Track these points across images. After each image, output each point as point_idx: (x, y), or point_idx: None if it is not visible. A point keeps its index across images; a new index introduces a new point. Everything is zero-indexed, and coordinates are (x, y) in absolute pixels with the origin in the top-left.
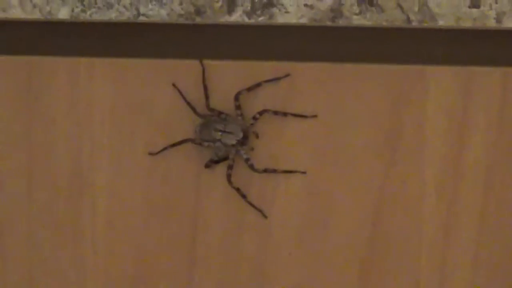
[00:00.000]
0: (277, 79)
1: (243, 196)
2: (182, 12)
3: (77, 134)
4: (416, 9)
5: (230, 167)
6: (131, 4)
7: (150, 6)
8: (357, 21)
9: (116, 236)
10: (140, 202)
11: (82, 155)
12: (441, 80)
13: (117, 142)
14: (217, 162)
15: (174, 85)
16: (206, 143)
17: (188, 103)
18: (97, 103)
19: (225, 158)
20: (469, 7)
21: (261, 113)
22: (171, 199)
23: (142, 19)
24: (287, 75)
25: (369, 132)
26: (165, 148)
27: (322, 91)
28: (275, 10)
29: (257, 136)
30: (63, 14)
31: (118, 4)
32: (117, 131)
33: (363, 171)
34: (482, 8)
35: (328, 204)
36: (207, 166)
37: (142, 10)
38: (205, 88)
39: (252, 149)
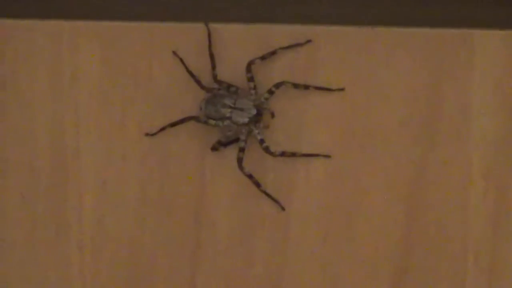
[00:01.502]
0: (296, 45)
1: (257, 185)
2: None
3: (59, 113)
4: None
5: (241, 150)
6: None
7: None
8: None
9: (106, 235)
10: (134, 194)
11: (65, 138)
12: (489, 46)
13: (106, 122)
14: (225, 144)
15: (174, 53)
16: (212, 122)
17: (192, 74)
18: (82, 76)
19: (235, 140)
20: None
21: (277, 86)
22: (170, 189)
23: None
24: (308, 41)
25: (404, 109)
26: (163, 128)
27: (350, 60)
28: None
29: (273, 114)
30: None
31: None
32: (106, 109)
33: (397, 156)
34: None
35: (356, 195)
36: (213, 148)
37: None
38: (212, 56)
39: (268, 127)
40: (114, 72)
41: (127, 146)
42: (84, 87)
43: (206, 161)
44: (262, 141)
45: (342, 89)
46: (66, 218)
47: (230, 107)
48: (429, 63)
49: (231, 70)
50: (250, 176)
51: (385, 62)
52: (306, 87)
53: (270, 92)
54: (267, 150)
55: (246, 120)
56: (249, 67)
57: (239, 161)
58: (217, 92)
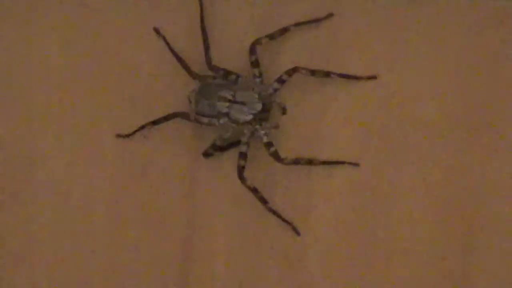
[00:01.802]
0: (314, 21)
1: (263, 201)
2: None
3: (23, 112)
4: None
5: (242, 156)
6: None
7: None
8: None
9: (80, 254)
10: (110, 209)
11: (28, 140)
12: None
13: (71, 121)
14: (222, 148)
15: (156, 30)
16: (205, 119)
17: (178, 58)
18: (49, 63)
19: (234, 143)
20: None
21: (290, 73)
22: (151, 209)
23: None
24: (329, 15)
25: (452, 101)
26: (142, 127)
27: (384, 40)
28: None
29: (284, 109)
30: None
31: None
32: (72, 105)
33: (444, 161)
34: None
35: (391, 213)
36: (206, 154)
37: None
38: (205, 35)
39: (277, 126)
40: (79, 59)
41: (100, 149)
42: (52, 78)
43: (198, 170)
44: (269, 145)
45: (373, 77)
46: (31, 233)
47: (229, 100)
48: (484, 42)
49: (230, 53)
50: (254, 190)
51: (428, 41)
52: (327, 74)
53: (280, 81)
54: (276, 156)
55: (249, 117)
56: (253, 48)
57: (240, 170)
58: (212, 81)
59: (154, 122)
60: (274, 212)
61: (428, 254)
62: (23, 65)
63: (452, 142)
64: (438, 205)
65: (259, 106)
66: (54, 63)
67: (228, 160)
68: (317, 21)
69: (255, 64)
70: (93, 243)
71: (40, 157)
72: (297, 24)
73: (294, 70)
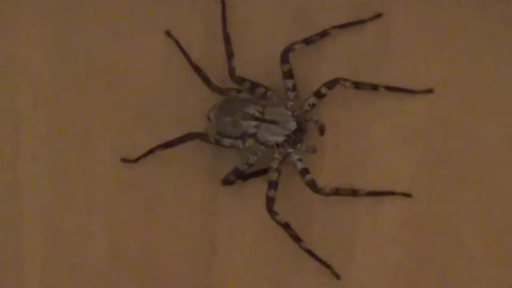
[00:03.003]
0: (358, 22)
1: (297, 240)
2: None
3: (5, 129)
4: None
5: (272, 186)
6: None
7: None
8: None
9: None
10: (111, 251)
11: (13, 163)
12: None
13: (69, 141)
14: (246, 176)
15: (168, 34)
16: (228, 141)
17: (196, 68)
18: (29, 65)
19: (261, 171)
20: None
21: (330, 85)
22: (164, 245)
23: None
24: (377, 16)
25: None
26: (152, 151)
27: (441, 46)
28: None
29: (322, 130)
30: None
31: None
32: (62, 118)
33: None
34: None
35: (450, 256)
36: (227, 182)
37: None
38: (227, 40)
39: (315, 151)
40: (73, 66)
41: (93, 179)
42: (32, 84)
43: (216, 204)
44: (305, 172)
45: (430, 91)
46: (11, 265)
47: (256, 118)
48: None
49: (258, 62)
50: (286, 226)
51: (494, 49)
52: (374, 87)
53: (319, 95)
54: (312, 185)
55: (280, 138)
56: (285, 55)
57: (270, 202)
58: (236, 95)
59: (166, 145)
60: (310, 252)
61: None
62: (6, 71)
63: None
64: (506, 248)
65: (292, 126)
66: (41, 70)
67: (254, 188)
68: (362, 22)
69: (288, 75)
70: None
71: (26, 184)
72: (339, 27)
73: (335, 82)
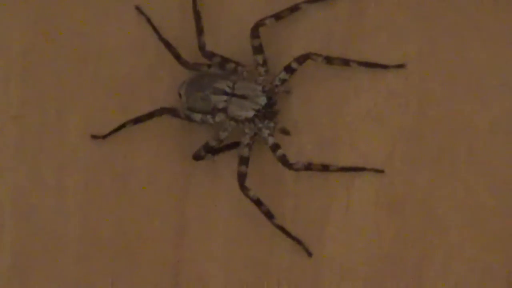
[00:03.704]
0: None
1: (269, 216)
2: None
3: None
4: None
5: (243, 162)
6: None
7: None
8: None
9: (49, 277)
10: (84, 227)
11: None
12: None
13: (35, 120)
14: (217, 150)
15: (139, 9)
16: (198, 116)
17: (166, 42)
18: (0, 43)
19: (231, 144)
20: None
21: (300, 60)
22: (137, 219)
23: None
24: None
25: (499, 97)
26: (122, 126)
27: (415, 20)
28: None
29: (288, 92)
30: None
31: None
32: (34, 100)
33: (489, 168)
34: None
35: (427, 231)
36: (197, 157)
37: None
38: (197, 14)
39: (288, 133)
40: (43, 42)
41: (64, 157)
42: (1, 64)
43: (188, 179)
44: (276, 147)
45: (401, 66)
46: None
47: (226, 93)
48: None
49: (228, 37)
50: (258, 203)
51: (476, 24)
52: (346, 62)
53: (289, 70)
54: (284, 161)
55: (250, 113)
56: (256, 30)
57: (241, 178)
58: (206, 70)
59: (136, 120)
60: (282, 229)
61: (468, 279)
62: None
63: (498, 145)
64: (483, 224)
65: (263, 100)
66: (12, 48)
67: (226, 164)
68: None
69: (258, 50)
70: (64, 267)
71: None
72: (310, 1)
73: (306, 57)
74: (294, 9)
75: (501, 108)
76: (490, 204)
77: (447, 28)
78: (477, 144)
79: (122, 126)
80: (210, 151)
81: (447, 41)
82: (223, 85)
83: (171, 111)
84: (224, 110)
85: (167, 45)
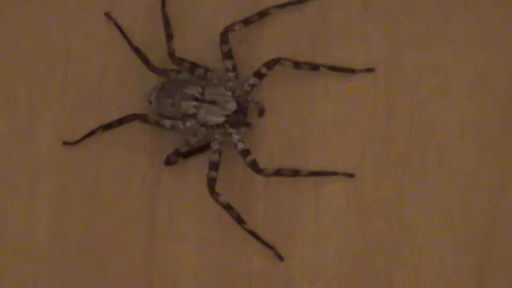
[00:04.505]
0: (299, 1)
1: (239, 221)
2: None
3: None
4: None
5: (213, 167)
6: None
7: None
8: None
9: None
10: (55, 234)
11: None
12: None
13: (7, 122)
14: (187, 154)
15: (107, 15)
16: (167, 122)
17: (135, 48)
18: None
19: (202, 147)
20: None
21: (270, 65)
22: (107, 225)
23: None
24: None
25: (472, 104)
26: (92, 133)
27: (382, 24)
28: None
29: (262, 110)
30: None
31: None
32: (2, 102)
33: (458, 171)
34: None
35: (397, 234)
36: (169, 162)
37: None
38: (166, 20)
39: (248, 125)
40: (10, 47)
41: (36, 163)
42: None
43: (158, 184)
44: (246, 153)
45: (371, 70)
46: None
47: (196, 99)
48: (502, 16)
49: (197, 42)
50: (228, 208)
51: (441, 28)
52: (315, 66)
53: (259, 75)
54: (254, 166)
55: (220, 119)
56: (225, 36)
57: (211, 183)
58: (176, 76)
59: (106, 126)
60: (252, 234)
61: (439, 282)
62: None
63: (467, 149)
64: (452, 227)
65: (232, 106)
66: None
67: (196, 169)
68: (303, 1)
69: (228, 55)
70: (34, 273)
71: None
72: (279, 6)
73: (275, 62)
74: (263, 14)
75: (470, 111)
76: (459, 207)
77: (414, 32)
78: (447, 147)
79: (92, 132)
80: (180, 155)
81: (414, 44)
82: (193, 90)
83: (141, 117)
84: (194, 116)
85: (136, 50)
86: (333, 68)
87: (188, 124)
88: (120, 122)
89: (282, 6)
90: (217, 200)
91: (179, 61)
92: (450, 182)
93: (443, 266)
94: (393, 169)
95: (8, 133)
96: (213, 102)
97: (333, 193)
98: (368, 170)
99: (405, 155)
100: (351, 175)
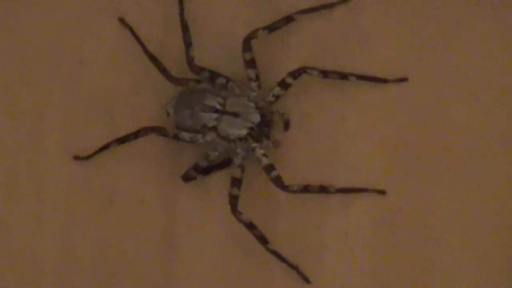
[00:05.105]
0: (326, 7)
1: (262, 240)
2: None
3: None
4: None
5: (235, 183)
6: None
7: None
8: None
9: None
10: (64, 253)
11: None
12: None
13: (10, 137)
14: (207, 171)
15: (122, 20)
16: (187, 135)
17: (152, 57)
18: None
19: (223, 163)
20: None
21: (295, 74)
22: (121, 245)
23: None
24: (344, 0)
25: (502, 110)
26: (105, 147)
27: (414, 32)
28: None
29: (286, 123)
30: None
31: None
32: (10, 115)
33: (494, 184)
34: None
35: (426, 255)
36: (187, 178)
37: None
38: (185, 27)
39: (279, 144)
40: (19, 54)
41: (44, 177)
42: None
43: (176, 202)
44: (270, 168)
45: (404, 80)
46: None
47: (217, 110)
48: None
49: (218, 50)
50: (250, 226)
51: (467, 32)
52: (343, 76)
53: (284, 85)
54: (278, 182)
55: (243, 132)
56: (247, 43)
57: (233, 201)
58: (195, 86)
59: (120, 140)
60: (276, 254)
61: None
62: None
63: (499, 161)
64: (483, 244)
65: (256, 118)
66: None
67: (216, 183)
68: (330, 6)
69: (251, 63)
70: None
71: None
72: (304, 12)
73: (301, 71)
74: (288, 20)
75: (502, 119)
76: (491, 224)
77: (441, 36)
78: (484, 161)
79: (106, 146)
80: (200, 171)
81: (443, 49)
82: (213, 101)
83: (158, 130)
84: (214, 128)
85: (153, 59)
86: (363, 78)
87: (208, 137)
88: (136, 135)
89: (308, 11)
90: (239, 219)
91: (199, 70)
92: (484, 198)
93: (475, 285)
94: (424, 184)
95: (15, 145)
96: (235, 114)
97: (362, 210)
98: (398, 185)
99: (438, 170)
100: (382, 192)
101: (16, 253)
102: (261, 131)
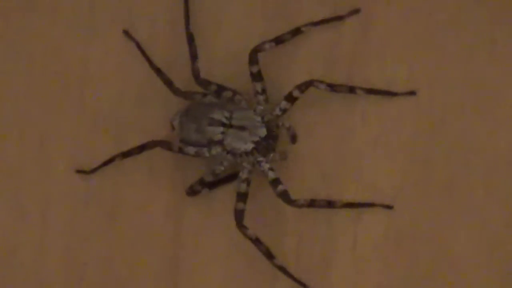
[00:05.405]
0: (334, 19)
1: (269, 256)
2: None
3: None
4: None
5: (241, 198)
6: None
7: None
8: None
9: None
10: (69, 267)
11: None
12: None
13: (19, 149)
14: (213, 185)
15: (127, 33)
16: (192, 149)
17: (157, 70)
18: None
19: (228, 177)
20: None
21: (303, 88)
22: (126, 259)
23: None
24: (354, 12)
25: None
26: (110, 160)
27: (422, 45)
28: None
29: (293, 137)
30: None
31: None
32: (14, 126)
33: (509, 199)
34: None
35: (436, 273)
36: (192, 192)
37: None
38: (190, 39)
39: (285, 158)
40: (24, 67)
41: (49, 191)
42: None
43: (181, 215)
44: (276, 182)
45: (413, 93)
46: None
47: (223, 124)
48: None
49: (226, 63)
50: (256, 242)
51: (484, 45)
52: (351, 89)
53: (291, 98)
54: (285, 197)
55: (249, 146)
56: (254, 56)
57: (239, 216)
58: (201, 99)
59: (125, 154)
60: (284, 270)
61: None
62: None
63: None
64: (500, 261)
65: (262, 132)
66: None
67: (221, 198)
68: (339, 19)
69: (257, 77)
70: None
71: None
72: (313, 24)
73: (309, 84)
74: (295, 32)
75: (501, 135)
76: (506, 238)
77: (457, 49)
78: (493, 174)
79: (111, 160)
80: (205, 185)
81: (459, 63)
82: (220, 115)
83: (164, 144)
84: (220, 142)
85: (158, 72)
86: (372, 91)
87: (214, 151)
88: (140, 149)
89: (317, 23)
90: (245, 234)
91: (205, 83)
92: (496, 211)
93: None
94: (434, 198)
95: (19, 159)
96: (241, 128)
97: (371, 226)
98: (407, 199)
99: (447, 183)
100: (389, 207)
101: (20, 269)
102: (267, 144)
